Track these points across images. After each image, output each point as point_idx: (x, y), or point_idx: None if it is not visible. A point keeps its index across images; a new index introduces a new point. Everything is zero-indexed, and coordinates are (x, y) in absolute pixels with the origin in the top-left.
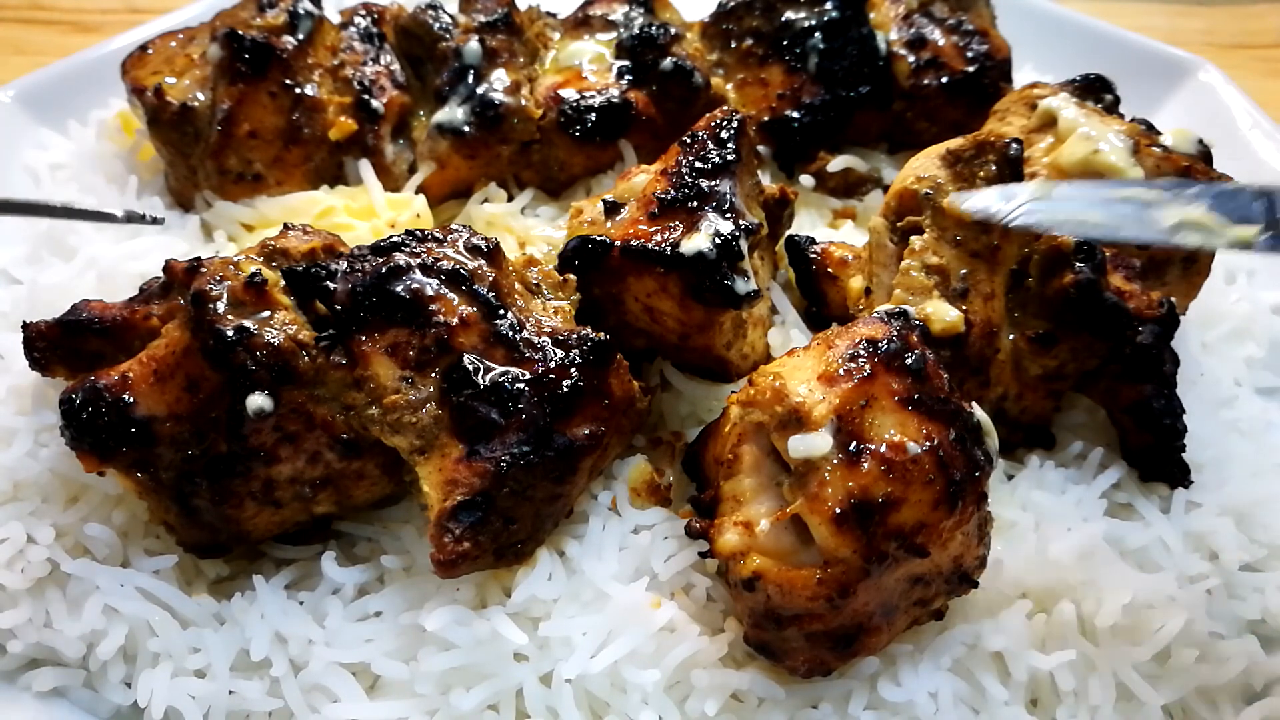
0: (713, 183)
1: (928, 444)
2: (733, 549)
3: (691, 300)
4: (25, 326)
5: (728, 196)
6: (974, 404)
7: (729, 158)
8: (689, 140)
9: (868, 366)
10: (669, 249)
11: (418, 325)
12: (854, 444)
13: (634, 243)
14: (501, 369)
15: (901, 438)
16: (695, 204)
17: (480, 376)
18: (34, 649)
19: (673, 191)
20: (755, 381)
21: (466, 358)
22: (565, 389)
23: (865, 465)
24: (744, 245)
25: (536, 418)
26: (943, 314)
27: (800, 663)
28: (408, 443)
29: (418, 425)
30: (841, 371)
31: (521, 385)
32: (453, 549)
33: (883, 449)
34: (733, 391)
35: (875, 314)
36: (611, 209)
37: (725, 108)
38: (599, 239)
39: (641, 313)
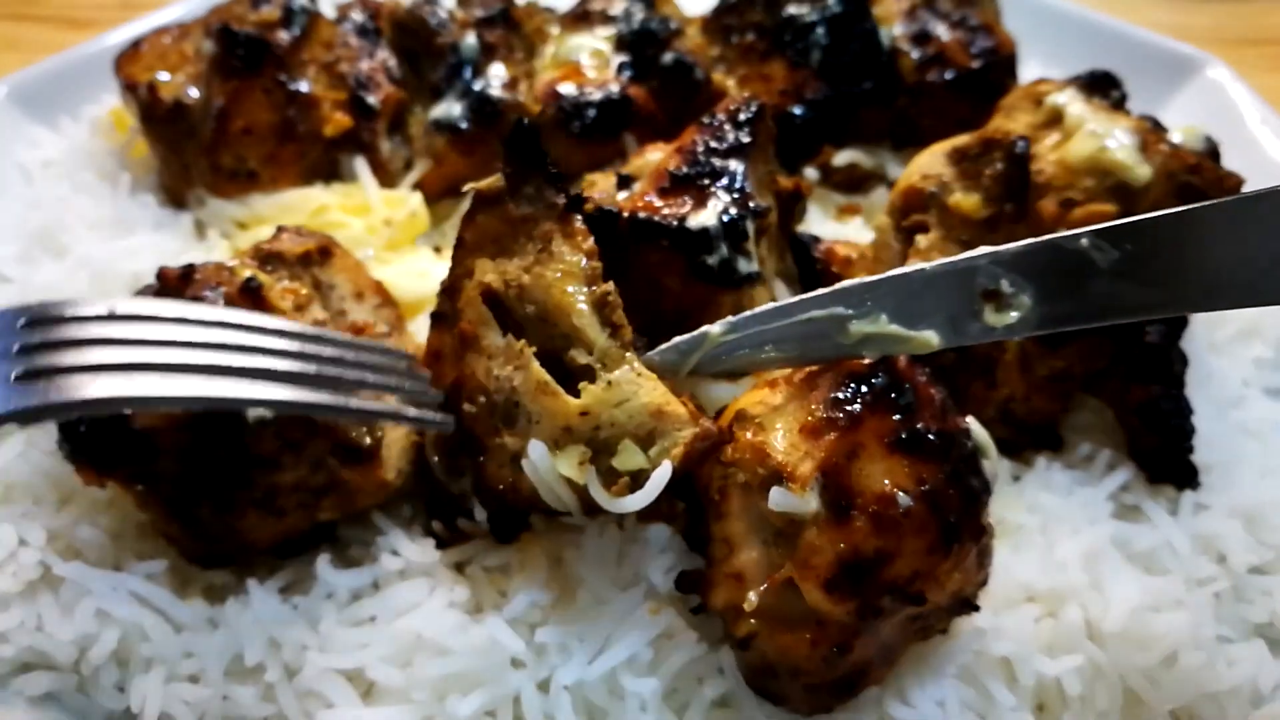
0: (725, 163)
1: (920, 488)
2: (725, 603)
3: (694, 276)
4: None
5: (739, 178)
6: (970, 420)
7: (744, 140)
8: (707, 121)
9: (853, 411)
10: (675, 223)
11: None
12: (841, 501)
13: (641, 214)
14: None
15: (891, 488)
16: (706, 182)
17: None
18: (26, 653)
19: (685, 168)
20: (736, 437)
21: None
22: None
23: (856, 523)
24: (750, 226)
25: None
26: None
27: (801, 705)
28: None
29: None
30: (825, 419)
31: None
32: None
33: (871, 504)
34: (733, 395)
35: None
36: (623, 183)
37: (747, 94)
38: (607, 208)
39: (643, 286)
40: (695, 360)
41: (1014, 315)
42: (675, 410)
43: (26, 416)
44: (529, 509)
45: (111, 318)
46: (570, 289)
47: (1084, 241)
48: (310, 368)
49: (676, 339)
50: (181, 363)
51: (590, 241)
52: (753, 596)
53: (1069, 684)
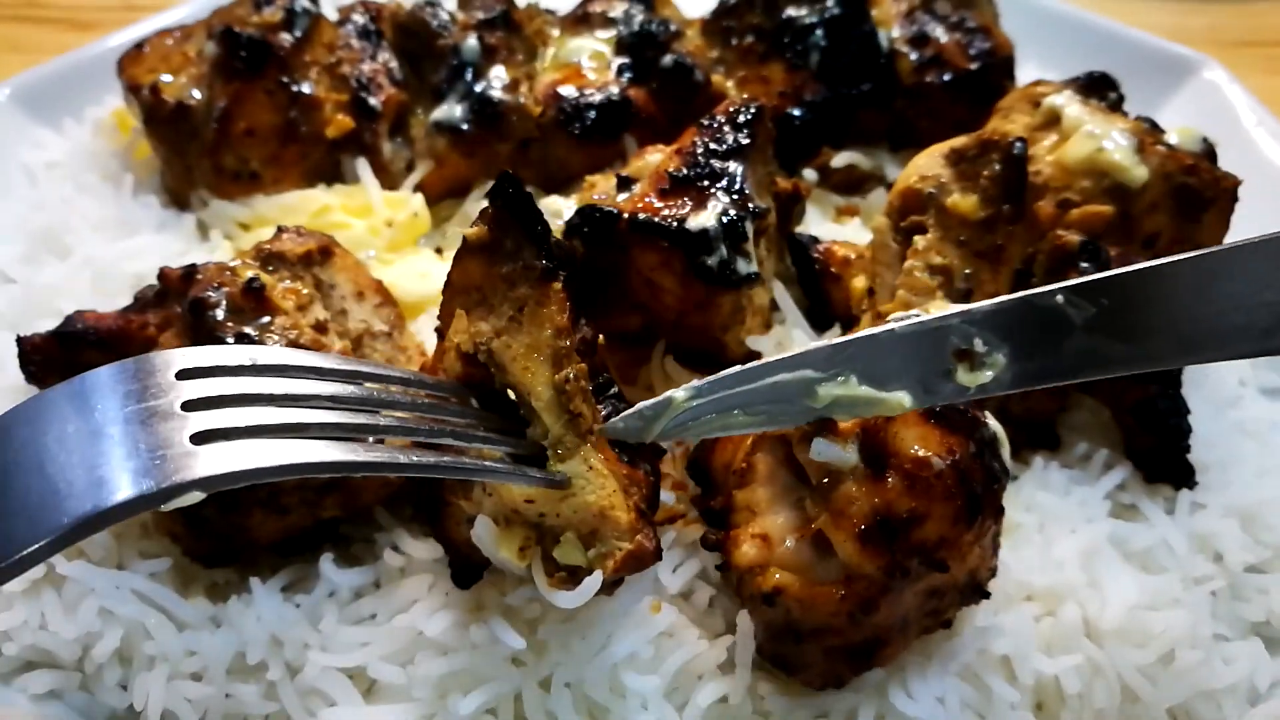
0: (724, 164)
1: (950, 458)
2: (751, 562)
3: (693, 277)
4: (20, 340)
5: (738, 179)
6: (988, 414)
7: (743, 141)
8: (706, 122)
9: None
10: (675, 224)
11: None
12: (878, 458)
13: (641, 215)
14: None
15: (925, 452)
16: (705, 183)
17: None
18: (29, 651)
19: (685, 170)
20: None
21: None
22: None
23: (890, 480)
24: (749, 227)
25: None
26: None
27: (815, 675)
28: None
29: None
30: None
31: None
32: None
33: (906, 464)
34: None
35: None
36: (623, 184)
37: (746, 96)
38: (606, 209)
39: (642, 286)
40: (660, 426)
41: (988, 374)
42: (617, 517)
43: (214, 483)
44: (487, 563)
45: (255, 369)
46: (532, 368)
47: (1059, 298)
48: (431, 420)
49: (640, 404)
50: (338, 422)
51: (564, 316)
52: (790, 542)
53: (1067, 682)
